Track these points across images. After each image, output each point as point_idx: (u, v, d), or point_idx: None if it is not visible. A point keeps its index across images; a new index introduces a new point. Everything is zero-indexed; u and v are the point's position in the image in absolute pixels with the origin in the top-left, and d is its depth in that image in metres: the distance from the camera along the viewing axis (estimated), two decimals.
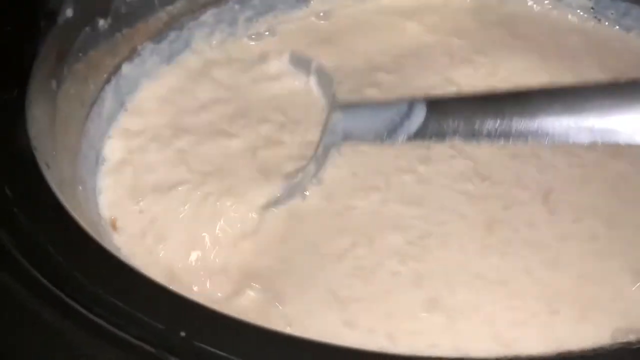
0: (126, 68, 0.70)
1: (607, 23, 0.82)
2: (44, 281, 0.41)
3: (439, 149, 0.66)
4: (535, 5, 0.85)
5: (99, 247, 0.45)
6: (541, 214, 0.62)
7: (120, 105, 0.70)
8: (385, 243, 0.59)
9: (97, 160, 0.65)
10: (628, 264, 0.58)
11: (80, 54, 0.62)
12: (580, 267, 0.58)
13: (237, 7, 0.78)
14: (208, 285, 0.57)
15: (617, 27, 0.81)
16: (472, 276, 0.57)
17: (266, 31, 0.81)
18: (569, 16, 0.83)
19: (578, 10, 0.83)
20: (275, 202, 0.61)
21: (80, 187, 0.59)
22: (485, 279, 0.57)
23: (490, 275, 0.57)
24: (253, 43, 0.80)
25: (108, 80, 0.67)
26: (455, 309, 0.55)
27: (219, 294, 0.56)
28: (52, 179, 0.49)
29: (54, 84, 0.57)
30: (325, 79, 0.73)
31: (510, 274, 0.57)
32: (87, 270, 0.42)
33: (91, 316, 0.39)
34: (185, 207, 0.62)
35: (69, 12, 0.60)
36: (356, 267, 0.57)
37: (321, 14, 0.84)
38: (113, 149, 0.67)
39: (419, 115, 0.65)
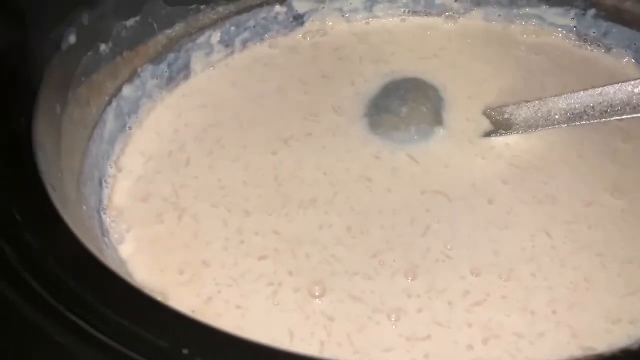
0: (127, 90, 0.72)
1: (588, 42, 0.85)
2: (51, 300, 0.43)
3: None
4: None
5: (102, 266, 0.47)
6: None
7: (122, 125, 0.73)
8: None
9: (100, 180, 0.67)
10: None
11: (83, 78, 0.65)
12: None
13: (232, 29, 0.81)
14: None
15: (599, 45, 0.85)
16: None
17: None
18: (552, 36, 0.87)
19: (560, 29, 0.86)
20: None
21: (84, 207, 0.61)
22: None
23: None
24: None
25: (109, 102, 0.70)
26: None
27: None
28: (58, 200, 0.51)
29: (58, 108, 0.60)
30: None
31: None
32: (92, 288, 0.44)
33: (96, 334, 0.41)
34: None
35: (72, 39, 0.63)
36: None
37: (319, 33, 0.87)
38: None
39: None
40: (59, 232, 0.47)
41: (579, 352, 0.56)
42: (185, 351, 0.41)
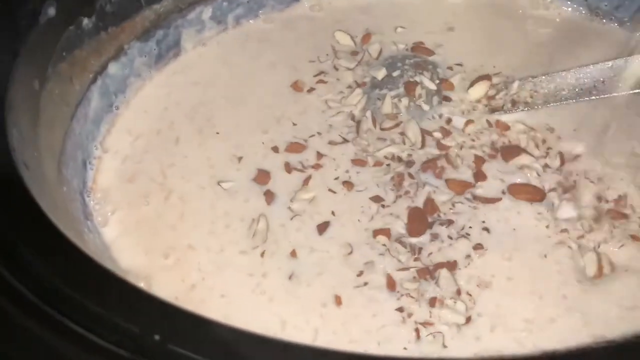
0: (113, 67, 0.69)
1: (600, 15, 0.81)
2: (20, 287, 0.41)
3: None
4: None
5: (75, 249, 0.44)
6: None
7: (109, 105, 0.70)
8: None
9: (84, 161, 0.64)
10: None
11: (64, 54, 0.62)
12: None
13: (225, 4, 0.78)
14: None
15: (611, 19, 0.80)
16: None
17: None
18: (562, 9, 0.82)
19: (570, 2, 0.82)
20: None
21: (65, 188, 0.59)
22: None
23: None
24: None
25: (94, 80, 0.67)
26: None
27: None
28: (32, 180, 0.48)
29: (36, 84, 0.57)
30: None
31: None
32: (63, 273, 0.41)
33: (67, 321, 0.38)
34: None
35: (52, 11, 0.60)
36: None
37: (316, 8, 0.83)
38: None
39: None
40: (29, 213, 0.45)
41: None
42: (157, 337, 0.38)
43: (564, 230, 0.61)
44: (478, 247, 0.59)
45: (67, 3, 0.61)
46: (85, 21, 0.64)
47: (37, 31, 0.58)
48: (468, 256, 0.58)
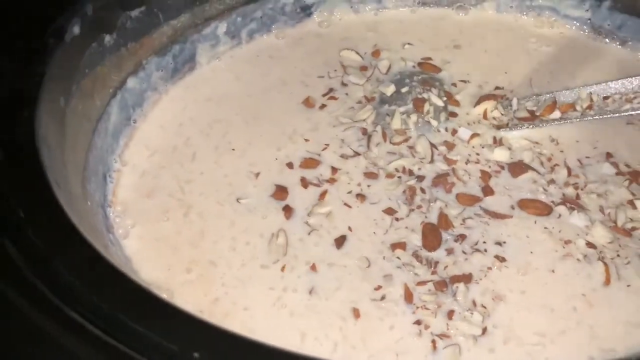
0: (131, 82, 0.71)
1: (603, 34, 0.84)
2: (56, 301, 0.42)
3: None
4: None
5: (110, 266, 0.45)
6: None
7: (127, 118, 0.71)
8: None
9: (105, 175, 0.65)
10: None
11: (87, 70, 0.63)
12: None
13: (239, 20, 0.79)
14: None
15: (614, 38, 0.83)
16: None
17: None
18: (566, 28, 0.85)
19: (574, 21, 0.84)
20: None
21: (89, 202, 0.60)
22: None
23: None
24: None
25: (114, 95, 0.68)
26: None
27: None
28: (63, 197, 0.50)
29: (62, 101, 0.58)
30: None
31: None
32: (99, 289, 0.43)
33: (106, 338, 0.40)
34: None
35: (76, 30, 0.61)
36: None
37: (324, 24, 0.85)
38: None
39: None
40: (65, 232, 0.46)
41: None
42: (196, 355, 0.39)
43: (570, 242, 0.63)
44: (492, 261, 0.61)
45: (90, 20, 0.62)
46: (107, 38, 0.66)
47: (63, 49, 0.59)
48: (482, 270, 0.61)
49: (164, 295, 0.58)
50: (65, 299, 0.42)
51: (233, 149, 0.70)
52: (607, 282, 0.60)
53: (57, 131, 0.56)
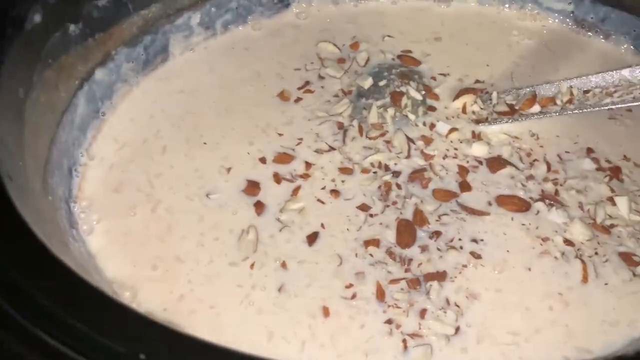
0: (99, 73, 0.68)
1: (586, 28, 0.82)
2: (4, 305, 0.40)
3: None
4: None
5: (61, 265, 0.43)
6: None
7: (95, 111, 0.69)
8: None
9: (70, 169, 0.63)
10: None
11: (50, 61, 0.61)
12: None
13: (213, 10, 0.77)
14: None
15: (597, 31, 0.81)
16: None
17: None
18: (549, 21, 0.83)
19: (556, 14, 0.83)
20: None
21: (50, 197, 0.58)
22: None
23: None
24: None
25: (80, 87, 0.66)
26: None
27: None
28: (16, 191, 0.47)
29: (21, 92, 0.56)
30: None
31: None
32: (47, 289, 0.41)
33: (46, 337, 0.38)
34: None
35: (37, 18, 0.59)
36: None
37: (302, 15, 0.83)
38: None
39: None
40: (14, 227, 0.44)
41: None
42: (142, 356, 0.37)
43: (547, 239, 0.61)
44: (467, 258, 0.60)
45: (53, 9, 0.60)
46: (72, 27, 0.63)
47: (22, 38, 0.57)
48: (457, 268, 0.59)
49: (126, 294, 0.56)
50: (7, 297, 0.40)
51: (205, 143, 0.68)
52: (585, 280, 0.59)
53: (15, 123, 0.54)
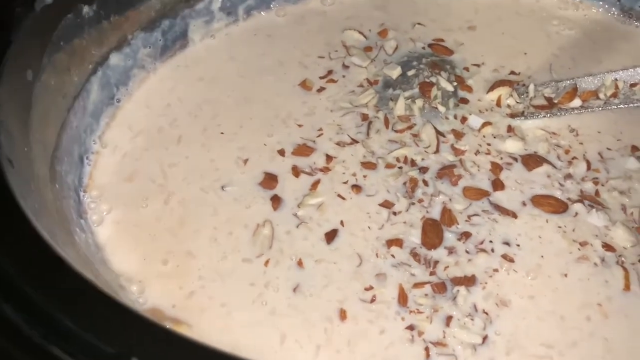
0: (115, 58, 0.66)
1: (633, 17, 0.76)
2: None
3: None
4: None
5: (57, 259, 0.40)
6: None
7: (110, 97, 0.66)
8: None
9: (81, 156, 0.61)
10: None
11: (62, 43, 0.58)
12: None
13: None
14: None
15: None
16: None
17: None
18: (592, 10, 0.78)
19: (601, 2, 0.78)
20: None
21: (57, 185, 0.55)
22: None
23: None
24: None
25: (94, 71, 0.63)
26: None
27: None
28: (15, 177, 0.45)
29: (29, 74, 0.53)
30: None
31: None
32: (41, 285, 0.38)
33: (38, 339, 0.35)
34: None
35: None
36: None
37: (328, 1, 0.79)
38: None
39: None
40: (10, 215, 0.41)
41: None
42: (134, 359, 0.34)
43: (586, 244, 0.57)
44: (499, 262, 0.55)
45: None
46: (86, 9, 0.61)
47: (32, 19, 0.54)
48: (487, 272, 0.55)
49: (133, 288, 0.54)
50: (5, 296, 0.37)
51: (222, 133, 0.65)
52: (627, 289, 0.54)
53: (20, 106, 0.51)
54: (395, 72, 0.70)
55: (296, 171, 0.62)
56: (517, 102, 0.68)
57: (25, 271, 0.38)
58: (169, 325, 0.50)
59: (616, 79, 0.66)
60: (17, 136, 0.49)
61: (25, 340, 0.34)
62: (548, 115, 0.66)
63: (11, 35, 0.51)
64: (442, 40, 0.75)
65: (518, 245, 0.57)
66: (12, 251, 0.39)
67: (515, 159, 0.63)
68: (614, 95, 0.66)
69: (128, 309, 0.37)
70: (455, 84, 0.69)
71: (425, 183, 0.61)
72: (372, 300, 0.53)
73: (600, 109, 0.65)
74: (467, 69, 0.72)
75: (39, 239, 0.40)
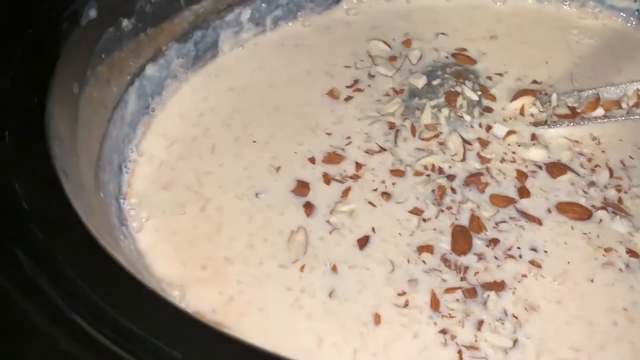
0: (150, 69, 0.68)
1: None
2: (58, 302, 0.40)
3: None
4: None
5: (116, 265, 0.42)
6: None
7: (145, 107, 0.68)
8: None
9: (120, 165, 0.63)
10: None
11: (104, 56, 0.60)
12: None
13: (264, 6, 0.76)
14: None
15: None
16: None
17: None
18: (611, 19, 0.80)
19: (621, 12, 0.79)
20: None
21: (102, 194, 0.57)
22: None
23: None
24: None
25: (131, 82, 0.66)
26: None
27: None
28: (71, 187, 0.47)
29: (75, 87, 0.56)
30: None
31: None
32: (102, 291, 0.40)
33: (105, 341, 0.37)
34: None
35: (93, 13, 0.58)
36: None
37: (353, 11, 0.81)
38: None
39: None
40: (70, 225, 0.43)
41: None
42: None
43: (611, 250, 0.58)
44: (527, 268, 0.57)
45: (107, 4, 0.60)
46: (125, 22, 0.63)
47: (78, 33, 0.56)
48: (515, 277, 0.57)
49: (175, 293, 0.56)
50: (66, 298, 0.39)
51: (254, 141, 0.67)
52: None
53: (69, 118, 0.53)
54: (420, 82, 0.72)
55: (327, 178, 0.64)
56: (540, 111, 0.70)
57: (89, 278, 0.40)
58: None
59: (638, 89, 0.68)
60: (68, 147, 0.51)
61: (92, 343, 0.36)
62: (571, 124, 0.68)
63: (60, 49, 0.54)
64: (464, 49, 0.77)
65: (545, 252, 0.58)
66: (78, 262, 0.41)
67: (540, 167, 0.65)
68: (636, 105, 0.68)
69: (190, 316, 0.39)
70: (479, 93, 0.71)
71: (453, 190, 0.63)
72: (406, 305, 0.55)
73: (622, 118, 0.67)
74: (490, 78, 0.74)
75: (104, 254, 0.42)
